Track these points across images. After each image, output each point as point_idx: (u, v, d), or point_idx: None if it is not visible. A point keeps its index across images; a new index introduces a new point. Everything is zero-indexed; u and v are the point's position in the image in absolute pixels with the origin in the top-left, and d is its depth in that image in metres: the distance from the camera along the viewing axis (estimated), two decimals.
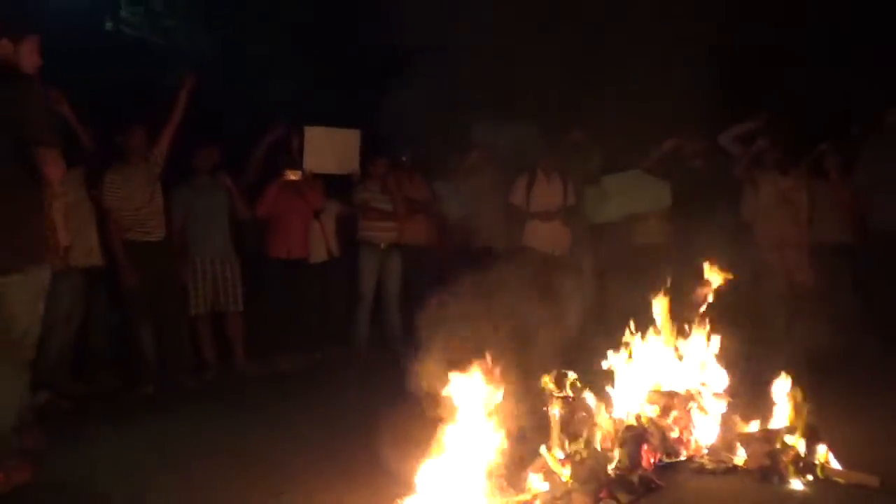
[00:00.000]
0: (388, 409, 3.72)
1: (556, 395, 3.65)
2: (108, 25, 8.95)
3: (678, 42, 4.63)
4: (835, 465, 3.08)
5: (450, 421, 2.97)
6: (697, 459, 3.25)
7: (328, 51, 7.65)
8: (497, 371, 3.09)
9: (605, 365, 3.78)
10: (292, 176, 5.65)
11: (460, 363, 3.16)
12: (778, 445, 3.14)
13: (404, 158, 6.38)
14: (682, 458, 3.27)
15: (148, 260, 5.01)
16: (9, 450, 3.24)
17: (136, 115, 5.45)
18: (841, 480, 2.98)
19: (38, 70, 3.27)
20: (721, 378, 3.67)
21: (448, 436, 2.97)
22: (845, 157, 5.70)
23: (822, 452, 3.06)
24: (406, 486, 2.89)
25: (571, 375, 3.72)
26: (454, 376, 2.99)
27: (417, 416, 3.14)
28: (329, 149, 5.87)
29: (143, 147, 5.09)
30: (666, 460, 3.23)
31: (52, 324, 4.48)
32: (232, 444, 3.90)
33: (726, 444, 3.29)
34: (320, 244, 6.09)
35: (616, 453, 3.09)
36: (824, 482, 2.99)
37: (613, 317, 5.18)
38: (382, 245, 6.17)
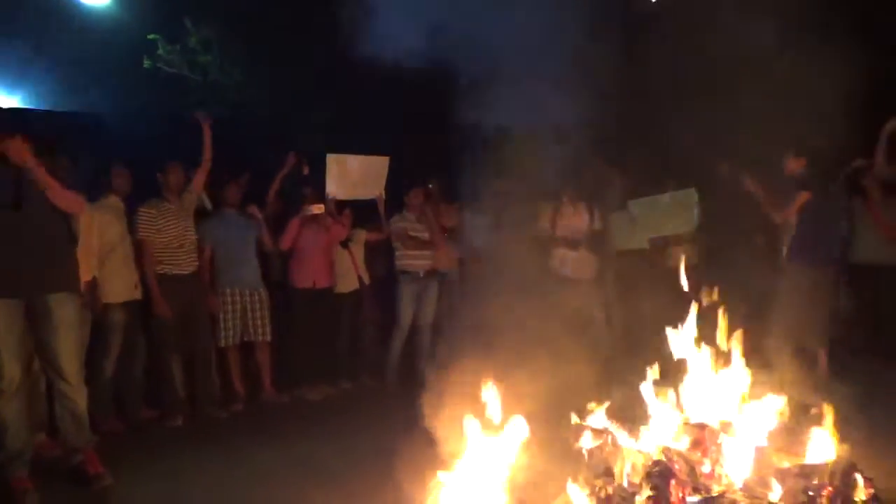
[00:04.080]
0: (413, 442, 3.69)
1: (584, 426, 3.60)
2: (146, 63, 9.26)
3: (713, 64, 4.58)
4: (877, 502, 2.93)
5: (467, 457, 2.93)
6: (730, 495, 3.12)
7: (359, 84, 7.77)
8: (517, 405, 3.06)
9: (633, 395, 3.71)
10: (315, 210, 5.73)
11: (479, 396, 3.13)
12: (816, 481, 3.00)
13: (430, 186, 6.44)
14: (714, 493, 3.15)
15: (179, 292, 5.11)
16: None
17: (174, 150, 5.62)
18: None
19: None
20: (756, 410, 3.55)
21: (466, 472, 2.93)
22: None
23: (862, 489, 2.91)
24: None
25: (599, 406, 3.67)
26: (469, 413, 2.96)
27: (440, 451, 3.11)
28: (352, 175, 5.95)
29: (180, 184, 5.23)
30: (696, 496, 3.11)
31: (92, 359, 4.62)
32: (255, 474, 3.92)
33: (761, 480, 3.15)
34: (350, 273, 6.13)
35: (643, 488, 3.00)
36: None
37: (643, 344, 5.09)
38: (421, 273, 6.20)
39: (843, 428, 3.34)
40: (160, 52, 9.30)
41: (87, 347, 4.46)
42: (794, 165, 5.54)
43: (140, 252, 5.07)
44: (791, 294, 5.21)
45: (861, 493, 2.91)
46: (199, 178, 5.30)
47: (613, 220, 6.01)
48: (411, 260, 6.18)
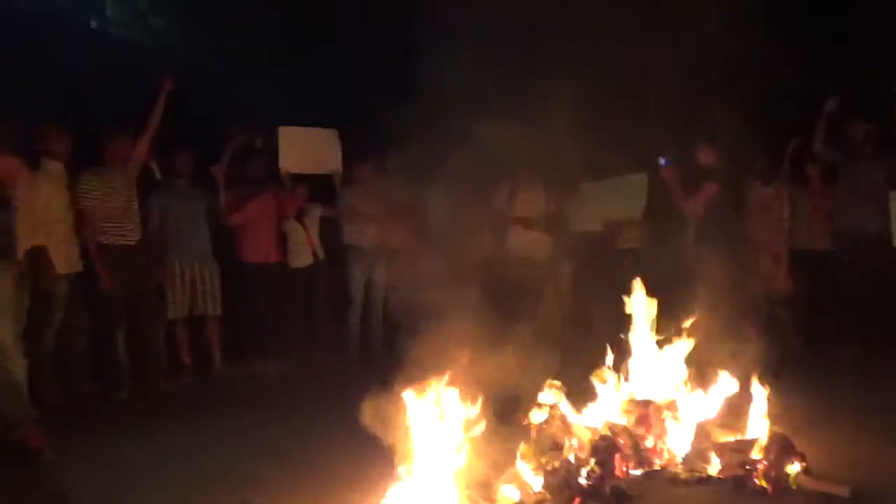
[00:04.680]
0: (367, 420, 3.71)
1: (534, 403, 3.68)
2: (94, 24, 8.88)
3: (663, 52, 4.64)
4: (807, 474, 3.08)
5: (421, 433, 2.96)
6: (671, 469, 3.25)
7: (315, 52, 7.61)
8: (469, 382, 3.09)
9: (583, 373, 3.81)
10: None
11: (435, 372, 3.15)
12: (751, 455, 3.14)
13: (384, 160, 6.38)
14: (656, 467, 3.27)
15: (124, 263, 4.97)
16: None
17: (122, 116, 5.41)
18: (812, 490, 2.98)
19: None
20: (698, 387, 3.68)
21: (420, 447, 2.96)
22: (822, 166, 5.77)
23: (795, 463, 3.06)
24: (377, 498, 2.86)
25: (550, 384, 3.75)
26: (426, 388, 2.98)
27: (395, 427, 3.12)
28: (305, 149, 5.86)
29: (128, 152, 5.06)
30: (639, 470, 3.23)
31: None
32: (203, 450, 3.87)
33: (700, 454, 3.28)
34: (305, 248, 6.07)
35: (588, 462, 3.08)
36: (796, 492, 2.99)
37: (593, 323, 5.20)
38: (368, 249, 6.17)
39: (778, 405, 3.50)
40: (108, 12, 8.94)
41: (27, 318, 4.31)
42: (706, 156, 5.64)
43: (82, 222, 4.90)
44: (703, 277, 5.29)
45: (793, 467, 3.06)
46: (143, 144, 5.11)
47: (569, 202, 6.08)
48: (358, 235, 6.13)
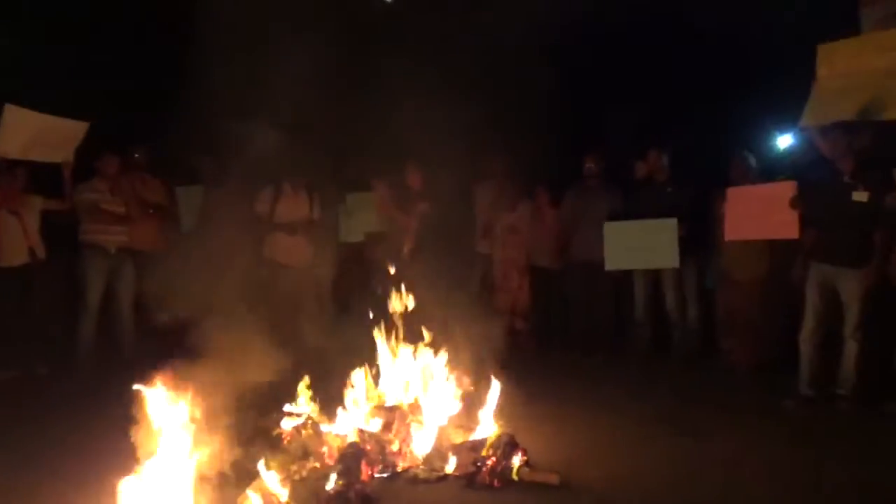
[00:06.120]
0: (93, 436, 3.39)
1: (285, 412, 3.68)
2: None
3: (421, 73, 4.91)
4: (528, 467, 3.48)
5: (161, 443, 2.80)
6: (413, 470, 3.46)
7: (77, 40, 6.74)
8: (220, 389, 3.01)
9: (338, 379, 3.90)
10: None
11: (174, 385, 3.00)
12: (483, 453, 3.46)
13: (137, 156, 5.91)
14: (399, 469, 3.46)
15: None
16: None
17: None
18: (530, 481, 3.38)
19: None
20: (440, 392, 3.97)
21: (155, 459, 2.80)
22: (555, 196, 6.54)
23: (518, 458, 3.44)
24: None
25: (302, 392, 3.77)
26: (170, 394, 2.83)
27: (129, 439, 2.90)
28: (35, 134, 5.18)
29: None
30: (385, 473, 3.39)
31: None
32: None
33: (439, 454, 3.54)
34: (20, 244, 5.35)
35: (336, 470, 3.16)
36: (517, 483, 3.36)
37: (350, 332, 5.34)
38: (112, 250, 5.64)
39: (511, 405, 3.92)
40: None
41: None
42: (412, 179, 6.09)
43: None
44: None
45: (516, 461, 3.44)
46: None
47: (334, 211, 6.17)
48: (100, 235, 5.63)
